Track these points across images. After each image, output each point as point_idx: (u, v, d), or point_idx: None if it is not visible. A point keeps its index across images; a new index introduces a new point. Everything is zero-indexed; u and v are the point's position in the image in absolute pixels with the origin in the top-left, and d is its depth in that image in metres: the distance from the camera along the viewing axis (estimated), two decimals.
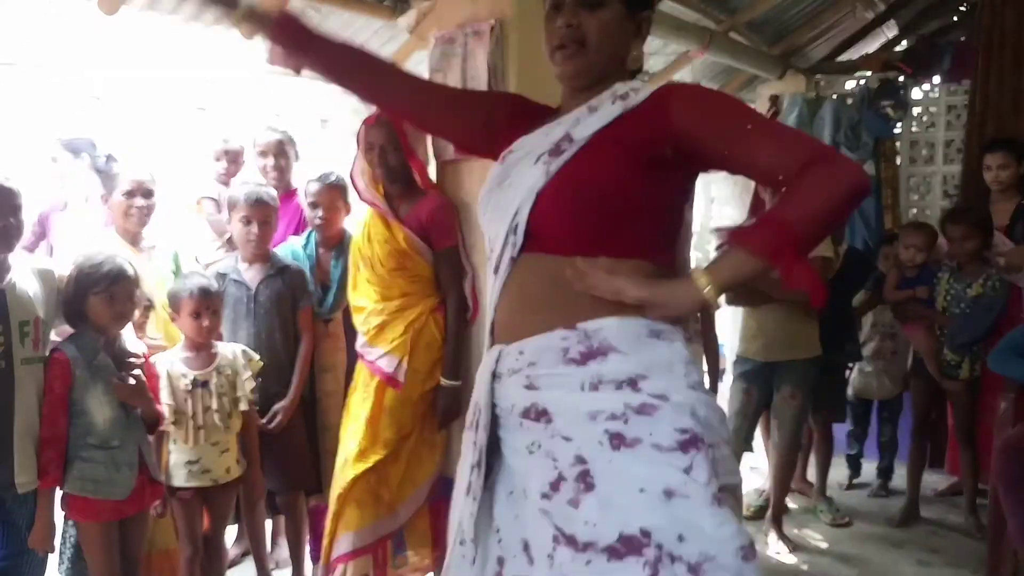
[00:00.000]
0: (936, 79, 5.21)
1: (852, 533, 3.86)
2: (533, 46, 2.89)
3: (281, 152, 3.50)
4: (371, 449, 2.72)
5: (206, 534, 2.76)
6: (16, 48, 3.54)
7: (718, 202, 6.21)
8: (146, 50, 3.60)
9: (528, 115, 1.69)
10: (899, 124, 5.23)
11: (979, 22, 4.84)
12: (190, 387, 2.65)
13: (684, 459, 1.37)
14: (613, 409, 1.40)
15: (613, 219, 1.47)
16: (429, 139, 2.94)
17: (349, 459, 2.73)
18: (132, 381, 2.41)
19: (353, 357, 2.93)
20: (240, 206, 2.99)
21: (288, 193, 3.48)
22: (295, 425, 3.01)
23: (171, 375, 2.64)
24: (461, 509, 1.58)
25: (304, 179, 3.34)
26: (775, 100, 5.32)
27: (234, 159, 3.62)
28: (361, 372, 2.83)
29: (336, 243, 3.22)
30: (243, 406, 2.75)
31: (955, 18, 5.65)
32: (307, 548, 3.15)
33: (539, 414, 1.47)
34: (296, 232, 3.42)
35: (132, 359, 2.47)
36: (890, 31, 6.14)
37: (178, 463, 2.66)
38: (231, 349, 2.79)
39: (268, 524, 3.22)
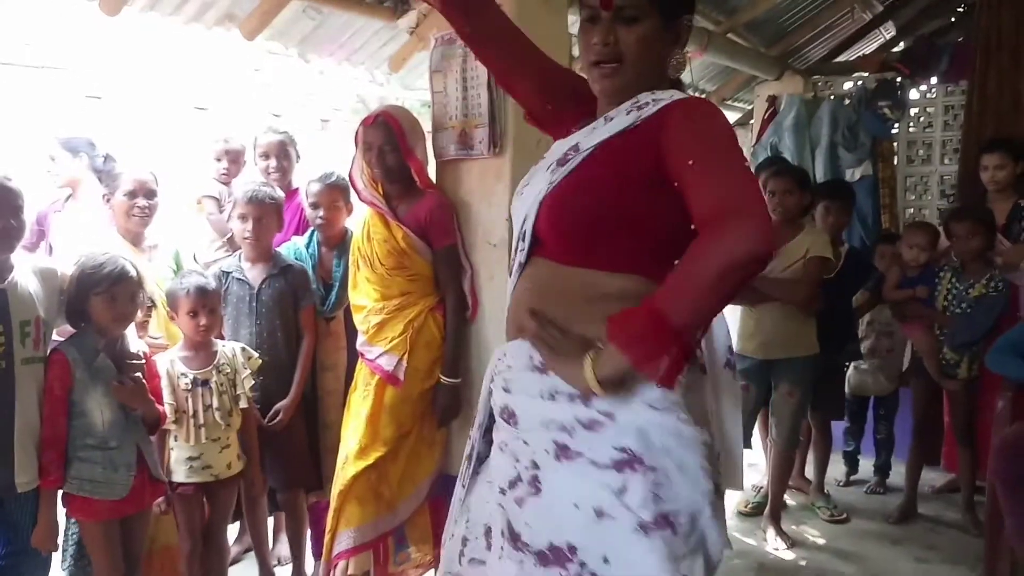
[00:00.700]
0: (933, 80, 5.23)
1: (850, 529, 3.88)
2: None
3: (283, 153, 3.52)
4: (371, 447, 2.73)
5: (207, 530, 2.78)
6: (14, 48, 3.57)
7: None
8: (147, 50, 3.62)
9: (588, 112, 1.64)
10: (897, 124, 5.25)
11: (976, 23, 4.86)
12: (190, 386, 2.67)
13: (618, 479, 1.38)
14: (564, 420, 1.43)
15: (605, 231, 1.47)
16: (428, 139, 2.97)
17: (350, 457, 2.75)
18: (131, 383, 2.42)
19: (354, 356, 2.94)
20: (238, 204, 3.03)
21: (289, 193, 3.50)
22: (296, 423, 3.03)
23: (171, 374, 2.65)
24: (454, 495, 1.68)
25: (305, 179, 3.36)
26: (773, 100, 5.35)
27: (235, 159, 3.64)
28: (361, 371, 2.85)
29: (338, 242, 3.24)
30: (243, 404, 2.77)
31: (952, 19, 5.67)
32: (308, 545, 3.17)
33: (509, 415, 1.54)
34: (297, 231, 3.44)
35: (133, 360, 2.48)
36: (888, 32, 6.17)
37: (179, 459, 2.68)
38: (231, 347, 2.81)
39: (269, 521, 3.24)
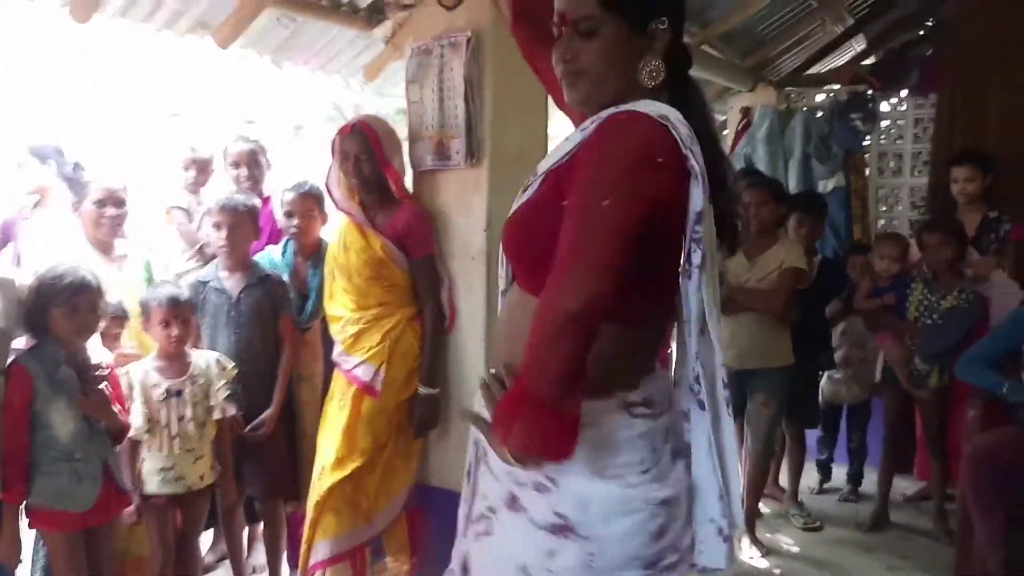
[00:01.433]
0: (904, 93, 5.30)
1: (823, 538, 3.91)
2: (509, 58, 2.92)
3: (253, 162, 3.49)
4: (348, 458, 2.72)
5: (180, 540, 2.74)
6: None
7: None
8: (119, 56, 3.58)
9: None
10: (868, 136, 5.31)
11: (945, 38, 4.94)
12: (164, 396, 2.63)
13: (551, 542, 1.35)
14: (519, 473, 1.38)
15: (548, 260, 1.34)
16: (405, 148, 2.96)
17: (326, 468, 2.73)
18: (95, 394, 2.38)
19: (330, 366, 2.92)
20: (212, 212, 3.01)
21: (261, 202, 3.47)
22: (275, 432, 2.99)
23: (144, 384, 2.62)
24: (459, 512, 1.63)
25: (277, 187, 3.33)
26: (746, 112, 5.39)
27: (203, 168, 3.60)
28: (338, 381, 2.83)
29: (313, 252, 3.22)
30: (217, 414, 2.74)
31: (922, 32, 5.75)
32: (284, 555, 3.14)
33: (484, 451, 1.49)
34: (270, 241, 3.41)
35: (96, 372, 2.44)
36: (859, 44, 6.24)
37: (151, 470, 2.64)
38: (205, 357, 2.78)
39: (245, 530, 3.20)
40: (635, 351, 1.41)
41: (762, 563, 3.59)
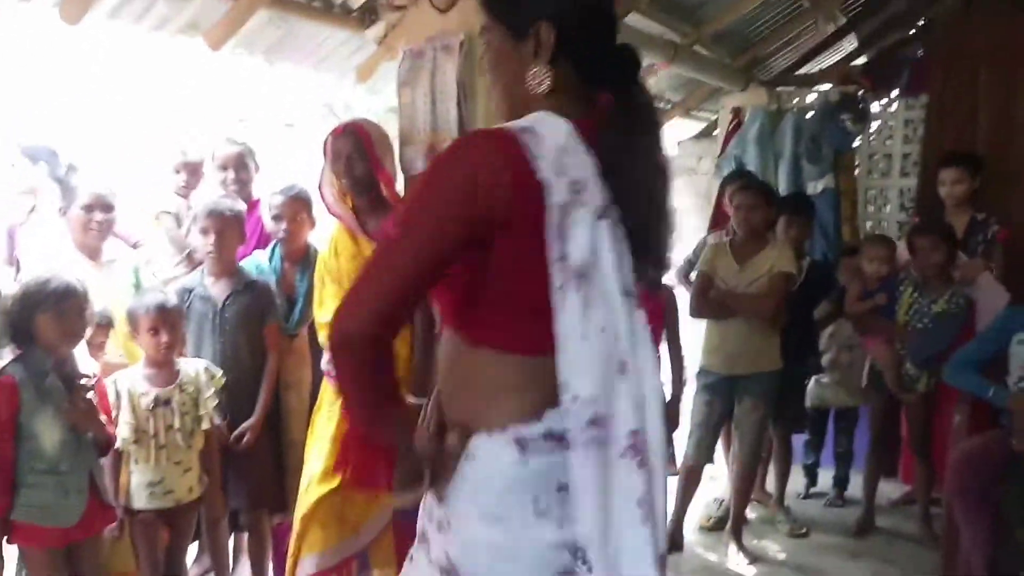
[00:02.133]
0: (894, 93, 5.31)
1: (810, 543, 3.92)
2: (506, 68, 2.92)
3: (241, 164, 3.46)
4: (336, 469, 2.69)
5: (167, 556, 2.72)
6: None
7: (681, 212, 6.25)
8: (109, 54, 3.55)
9: None
10: (858, 137, 5.32)
11: (935, 39, 4.95)
12: (152, 405, 2.61)
13: None
14: (432, 508, 1.38)
15: (445, 298, 1.34)
16: (397, 152, 2.94)
17: (313, 480, 2.70)
18: (82, 404, 2.35)
19: (318, 373, 2.91)
20: (199, 218, 2.98)
21: (250, 205, 3.44)
22: (260, 442, 2.98)
23: (132, 393, 2.59)
24: None
25: (266, 190, 3.31)
26: (738, 112, 5.38)
27: (193, 171, 3.57)
28: (327, 390, 2.81)
29: (301, 257, 3.20)
30: (205, 424, 2.72)
31: (913, 32, 5.76)
32: (270, 566, 3.12)
33: None
34: (258, 245, 3.39)
35: (83, 381, 2.41)
36: (850, 44, 6.25)
37: (140, 484, 2.62)
38: (193, 366, 2.76)
39: (230, 541, 3.18)
40: (527, 381, 1.29)
41: (749, 570, 3.60)
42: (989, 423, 3.26)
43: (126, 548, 2.67)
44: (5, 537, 2.35)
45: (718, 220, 4.96)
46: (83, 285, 2.42)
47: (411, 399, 2.75)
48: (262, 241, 3.39)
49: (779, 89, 5.51)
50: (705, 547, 3.83)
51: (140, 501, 2.61)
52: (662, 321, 3.46)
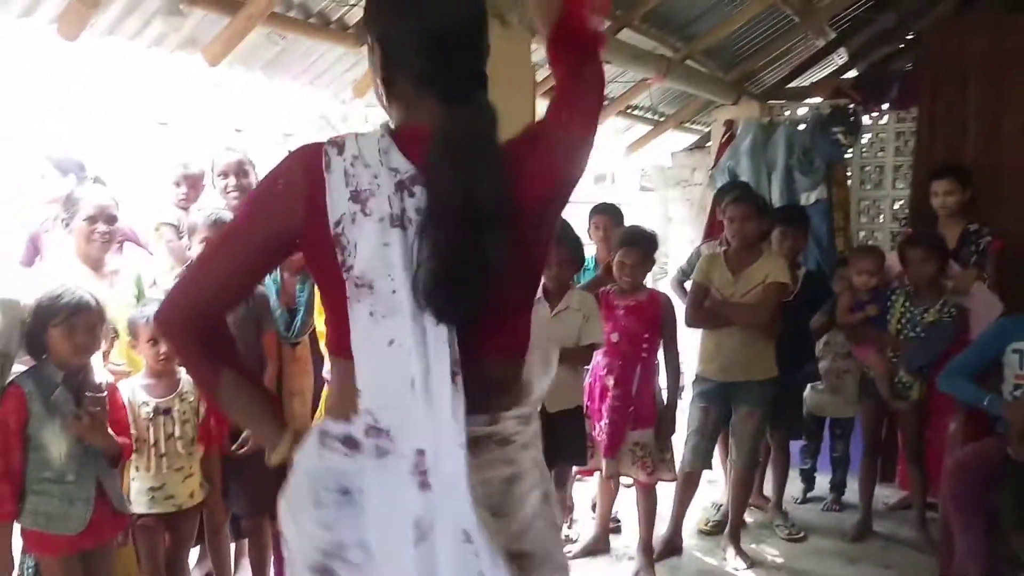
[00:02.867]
0: (885, 106, 5.37)
1: (808, 548, 3.95)
2: (497, 80, 2.94)
3: (241, 172, 3.49)
4: None
5: (169, 560, 2.74)
6: None
7: (676, 222, 6.31)
8: (107, 66, 3.59)
9: None
10: (850, 149, 5.38)
11: (925, 51, 5.02)
12: (152, 415, 2.64)
13: None
14: None
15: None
16: None
17: None
18: (88, 418, 2.37)
19: (321, 381, 2.93)
20: (200, 229, 2.99)
21: None
22: (262, 449, 2.99)
23: (132, 403, 2.62)
24: None
25: None
26: (730, 125, 5.44)
27: (194, 184, 3.60)
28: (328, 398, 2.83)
29: (301, 267, 3.22)
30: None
31: (902, 45, 5.83)
32: (271, 572, 3.14)
33: None
34: None
35: (95, 393, 2.44)
36: (840, 58, 6.32)
37: (140, 490, 2.64)
38: None
39: (231, 547, 3.20)
40: (347, 384, 1.28)
41: (747, 574, 3.63)
42: (984, 430, 3.30)
43: (128, 554, 2.70)
44: (22, 545, 2.39)
45: (712, 230, 5.01)
46: (98, 302, 2.45)
47: None
48: None
49: (771, 102, 5.57)
50: (703, 551, 3.86)
51: (140, 506, 2.63)
52: (659, 329, 3.49)
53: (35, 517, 2.32)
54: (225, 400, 1.43)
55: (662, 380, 3.64)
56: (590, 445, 3.48)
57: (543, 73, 4.45)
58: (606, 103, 5.25)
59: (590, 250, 4.00)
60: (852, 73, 6.22)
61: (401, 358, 1.22)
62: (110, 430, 2.45)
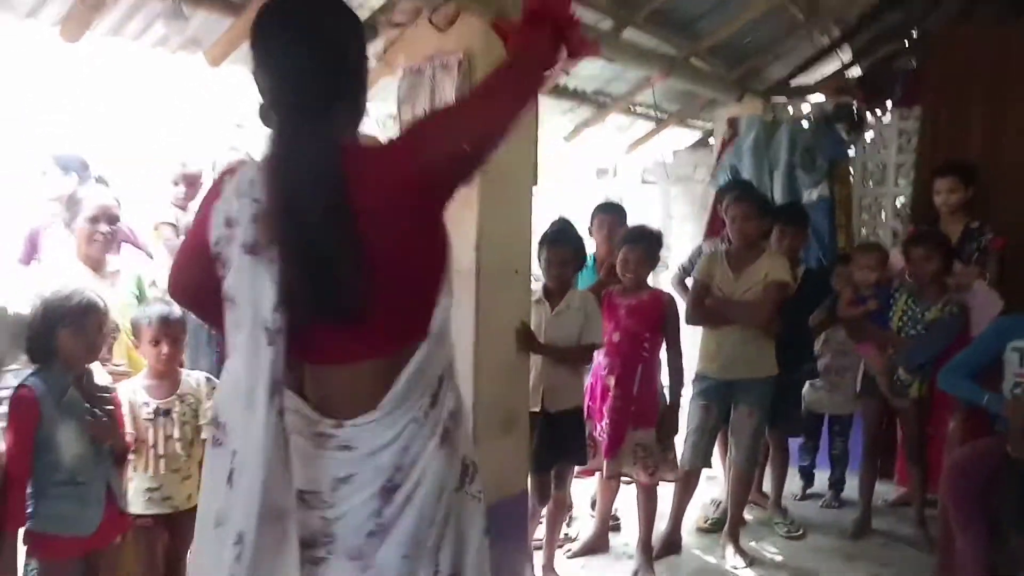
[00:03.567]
0: (888, 104, 5.35)
1: (807, 546, 3.97)
2: None
3: None
4: None
5: (167, 561, 2.75)
6: None
7: (677, 219, 6.31)
8: (108, 62, 3.58)
9: None
10: (852, 147, 5.37)
11: (929, 50, 5.00)
12: (152, 415, 2.65)
13: None
14: None
15: None
16: None
17: None
18: (104, 417, 2.39)
19: None
20: None
21: None
22: None
23: (132, 403, 2.63)
24: None
25: None
26: (733, 123, 5.43)
27: (192, 183, 3.61)
28: None
29: None
30: (205, 434, 2.75)
31: (906, 43, 5.81)
32: None
33: None
34: None
35: (103, 393, 2.46)
36: (844, 55, 6.29)
37: (138, 490, 2.65)
38: (195, 377, 2.80)
39: None
40: None
41: (746, 572, 3.64)
42: (984, 429, 3.30)
43: (128, 554, 2.70)
44: (25, 548, 2.39)
45: (714, 228, 5.02)
46: (104, 301, 2.47)
47: None
48: None
49: (774, 100, 5.56)
50: (702, 549, 3.88)
51: (138, 506, 2.64)
52: (661, 329, 3.50)
53: (49, 521, 2.32)
54: None
55: (664, 379, 3.66)
56: (591, 445, 3.49)
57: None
58: (606, 102, 5.25)
59: (590, 248, 4.00)
60: (856, 71, 6.18)
61: (239, 367, 1.43)
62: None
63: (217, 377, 2.84)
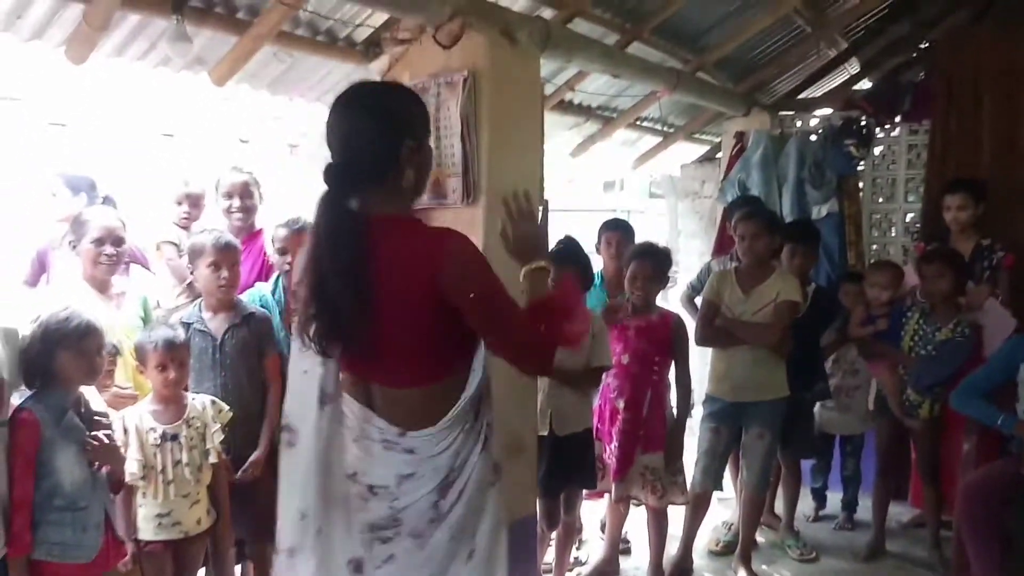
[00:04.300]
0: (897, 119, 5.31)
1: (819, 568, 3.91)
2: (505, 98, 2.95)
3: (247, 193, 3.48)
4: None
5: None
6: None
7: (685, 235, 6.27)
8: (113, 79, 3.57)
9: None
10: (862, 162, 5.32)
11: (936, 65, 4.97)
12: (159, 441, 2.62)
13: None
14: None
15: None
16: None
17: None
18: (104, 441, 2.36)
19: None
20: (208, 251, 2.95)
21: (252, 235, 3.46)
22: (265, 473, 2.97)
23: (139, 429, 2.61)
24: None
25: (268, 220, 3.33)
26: (740, 137, 5.39)
27: (195, 203, 3.59)
28: None
29: None
30: (213, 458, 2.73)
31: (915, 54, 5.78)
32: None
33: None
34: (260, 273, 3.40)
35: (100, 418, 2.43)
36: (852, 67, 6.27)
37: (147, 516, 2.63)
38: (200, 401, 2.77)
39: (237, 569, 3.18)
40: None
41: None
42: (998, 450, 3.26)
43: None
44: None
45: (722, 244, 4.97)
46: (99, 322, 2.45)
47: None
48: (264, 269, 3.40)
49: (781, 113, 5.52)
50: (714, 572, 3.82)
51: (147, 532, 2.61)
52: (670, 350, 3.46)
53: (50, 548, 2.27)
54: None
55: (673, 399, 3.62)
56: (600, 467, 3.44)
57: (551, 88, 4.44)
58: (612, 116, 5.24)
59: (597, 267, 3.96)
60: (864, 83, 6.16)
61: (299, 383, 1.85)
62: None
63: (223, 400, 2.85)
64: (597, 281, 3.98)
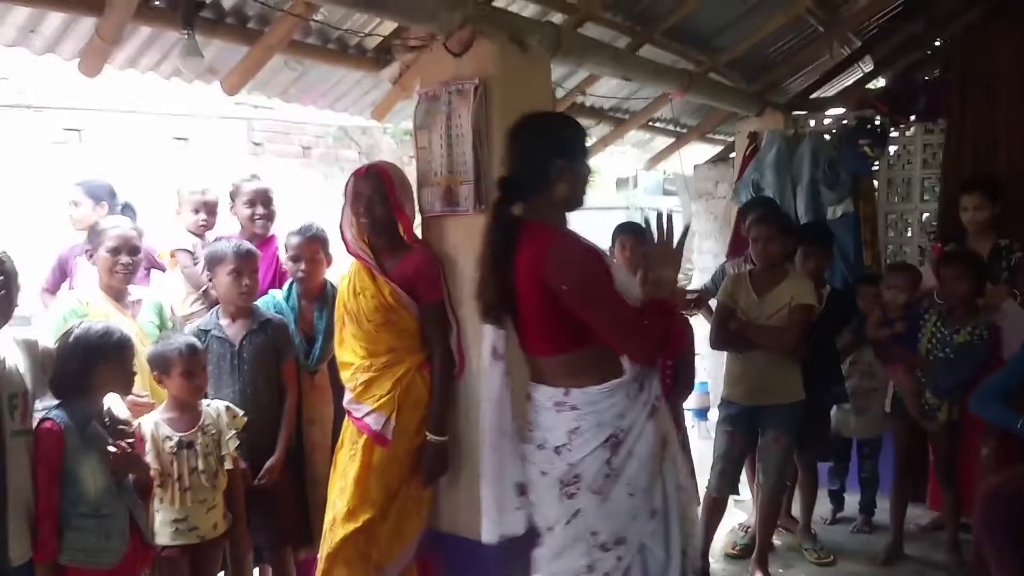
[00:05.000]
0: (912, 118, 5.26)
1: (837, 572, 3.88)
2: (516, 106, 2.94)
3: (268, 200, 3.50)
4: (360, 509, 2.71)
5: None
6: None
7: (699, 236, 6.25)
8: (126, 84, 3.60)
9: None
10: (876, 162, 5.28)
11: (951, 64, 4.92)
12: (175, 448, 2.64)
13: None
14: None
15: None
16: (416, 194, 2.97)
17: (338, 519, 2.73)
18: (128, 449, 2.39)
19: (341, 408, 2.93)
20: (229, 259, 2.98)
21: (265, 241, 3.48)
22: (283, 479, 3.00)
23: (155, 437, 2.63)
24: None
25: (282, 229, 3.34)
26: (754, 137, 5.36)
27: (211, 211, 3.60)
28: (348, 428, 2.83)
29: (319, 294, 3.22)
30: (228, 464, 2.74)
31: (929, 52, 5.74)
32: None
33: None
34: (273, 279, 3.42)
35: (122, 426, 2.46)
36: (866, 66, 6.22)
37: (164, 522, 2.65)
38: (215, 407, 2.79)
39: (255, 573, 3.20)
40: None
41: None
42: (1017, 454, 3.22)
43: None
44: None
45: (736, 245, 4.94)
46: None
47: (432, 438, 2.78)
48: (278, 275, 3.42)
49: (795, 113, 5.49)
50: (731, 575, 3.80)
51: (164, 538, 2.63)
52: (680, 353, 3.44)
53: (74, 553, 2.31)
54: None
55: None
56: None
57: (561, 92, 4.44)
58: (625, 119, 5.22)
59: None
60: (878, 82, 6.11)
61: (486, 340, 2.32)
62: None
63: (241, 406, 2.86)
64: None
